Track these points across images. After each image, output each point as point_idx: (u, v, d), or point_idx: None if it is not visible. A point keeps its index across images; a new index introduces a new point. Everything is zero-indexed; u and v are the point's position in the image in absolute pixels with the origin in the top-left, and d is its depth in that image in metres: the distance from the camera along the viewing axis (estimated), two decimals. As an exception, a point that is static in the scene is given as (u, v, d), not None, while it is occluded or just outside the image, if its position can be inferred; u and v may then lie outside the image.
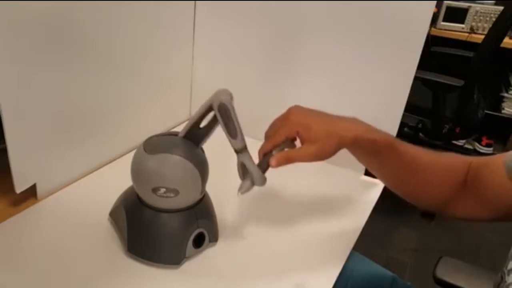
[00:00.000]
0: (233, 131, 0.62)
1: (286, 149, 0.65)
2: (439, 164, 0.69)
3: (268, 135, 0.66)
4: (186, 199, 0.65)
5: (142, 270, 0.65)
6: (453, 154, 0.70)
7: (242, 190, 0.64)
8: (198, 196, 0.66)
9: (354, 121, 0.65)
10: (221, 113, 0.61)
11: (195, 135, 0.65)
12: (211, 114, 0.64)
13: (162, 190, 0.62)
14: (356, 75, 0.90)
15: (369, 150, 0.66)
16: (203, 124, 0.65)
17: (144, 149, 0.64)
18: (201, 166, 0.65)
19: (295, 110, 0.65)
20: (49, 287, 0.61)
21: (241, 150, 0.64)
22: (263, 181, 0.64)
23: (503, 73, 2.66)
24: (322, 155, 0.63)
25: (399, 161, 0.67)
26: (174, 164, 0.62)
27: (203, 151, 0.68)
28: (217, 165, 0.69)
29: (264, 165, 0.65)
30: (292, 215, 0.81)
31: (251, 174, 0.64)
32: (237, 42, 1.00)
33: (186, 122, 0.67)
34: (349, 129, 0.63)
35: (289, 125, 0.64)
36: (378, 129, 0.65)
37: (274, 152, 0.64)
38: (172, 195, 0.62)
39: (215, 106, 0.61)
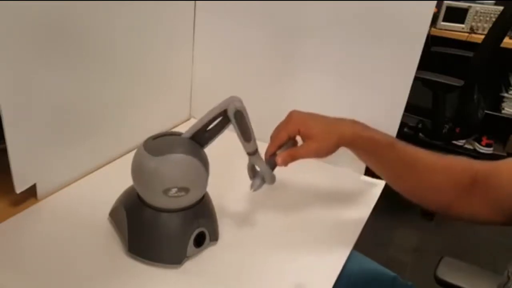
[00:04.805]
0: (248, 136, 0.66)
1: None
2: (438, 164, 0.69)
3: (272, 137, 0.70)
4: (195, 195, 0.66)
5: (142, 270, 0.65)
6: (454, 156, 0.70)
7: (254, 187, 0.70)
8: (204, 192, 0.69)
9: (353, 121, 0.69)
10: (237, 119, 0.64)
11: (201, 137, 0.66)
12: (218, 118, 0.65)
13: (174, 190, 0.63)
14: (356, 75, 0.90)
15: (368, 148, 0.69)
16: (209, 127, 0.67)
17: (147, 151, 0.63)
18: (206, 163, 0.67)
19: (295, 112, 0.70)
20: (49, 287, 0.61)
21: (253, 153, 0.68)
22: (273, 179, 0.70)
23: (503, 73, 2.66)
24: (323, 152, 0.67)
25: (398, 159, 0.69)
26: (182, 163, 0.63)
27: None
28: (217, 165, 0.69)
29: (271, 165, 0.70)
30: (292, 215, 0.81)
31: (262, 173, 0.69)
32: (237, 42, 1.00)
33: (186, 122, 0.67)
34: (348, 128, 0.68)
35: (291, 125, 0.68)
36: (377, 129, 0.68)
37: (278, 153, 0.69)
38: (183, 193, 0.63)
39: (231, 112, 0.63)
